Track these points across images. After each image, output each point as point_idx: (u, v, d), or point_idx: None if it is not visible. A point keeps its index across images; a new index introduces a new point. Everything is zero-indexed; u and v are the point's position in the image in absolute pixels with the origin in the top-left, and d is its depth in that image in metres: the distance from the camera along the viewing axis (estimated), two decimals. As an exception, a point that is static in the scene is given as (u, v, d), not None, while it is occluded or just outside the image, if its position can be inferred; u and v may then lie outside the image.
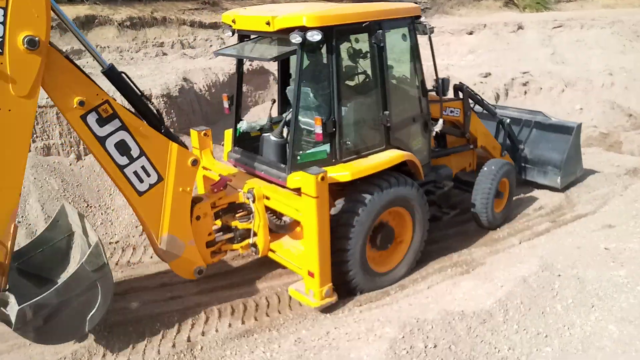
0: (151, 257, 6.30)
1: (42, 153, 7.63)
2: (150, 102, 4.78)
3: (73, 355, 4.58)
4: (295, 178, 4.98)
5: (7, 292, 4.02)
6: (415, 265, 5.93)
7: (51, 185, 7.07)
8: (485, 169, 6.72)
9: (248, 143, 5.89)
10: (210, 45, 14.26)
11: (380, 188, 5.19)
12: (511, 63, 15.15)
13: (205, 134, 6.02)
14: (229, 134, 6.11)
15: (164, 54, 12.91)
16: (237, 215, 5.52)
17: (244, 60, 6.12)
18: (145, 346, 4.76)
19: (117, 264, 6.22)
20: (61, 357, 4.55)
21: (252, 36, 5.50)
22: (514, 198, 7.30)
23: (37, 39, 3.69)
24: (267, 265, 6.15)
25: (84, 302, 4.23)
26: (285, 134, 5.54)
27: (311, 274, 5.01)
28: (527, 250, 5.89)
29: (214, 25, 16.65)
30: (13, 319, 3.88)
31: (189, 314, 5.17)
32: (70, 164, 7.63)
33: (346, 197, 5.17)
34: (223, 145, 6.57)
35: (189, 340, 4.85)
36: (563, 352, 3.76)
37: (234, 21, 5.30)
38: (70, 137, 7.87)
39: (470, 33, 18.24)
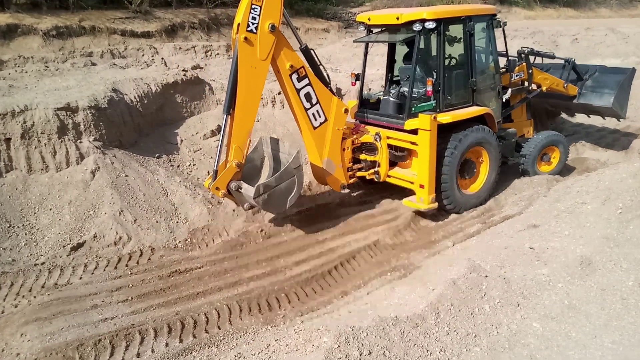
0: (80, 279, 6.02)
1: (-42, 172, 7.12)
2: (324, 69, 7.29)
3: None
4: (412, 122, 7.22)
5: (240, 181, 6.59)
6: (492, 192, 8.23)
7: (-32, 206, 6.61)
8: (535, 136, 8.96)
9: (368, 106, 8.25)
10: (143, 55, 13.84)
11: (468, 131, 7.48)
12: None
13: (345, 110, 7.59)
14: (353, 102, 8.45)
15: (93, 64, 12.38)
16: (364, 151, 7.86)
17: (370, 46, 8.51)
18: (75, 373, 4.53)
19: (43, 286, 5.89)
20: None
21: (374, 30, 7.86)
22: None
23: (275, 25, 6.30)
24: (204, 279, 6.03)
25: (287, 188, 6.58)
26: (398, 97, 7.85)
27: (422, 186, 7.31)
28: (459, 252, 6.11)
29: (146, 35, 16.24)
30: (251, 193, 6.31)
31: (123, 335, 4.97)
32: (-11, 183, 7.16)
33: (445, 137, 7.33)
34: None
35: (122, 363, 4.66)
36: (491, 351, 3.91)
37: (369, 19, 7.68)
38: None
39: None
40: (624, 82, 9.50)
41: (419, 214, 7.68)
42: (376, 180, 7.87)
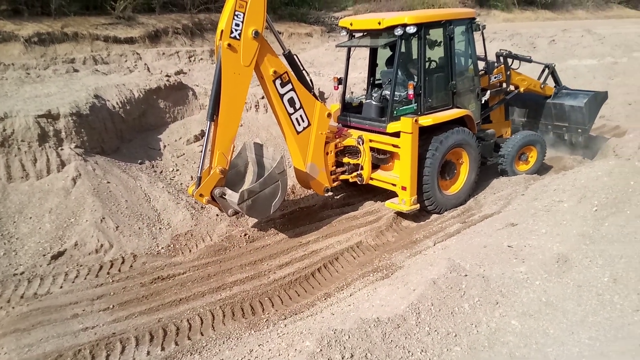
0: (60, 288, 5.96)
1: None
2: (307, 74, 7.35)
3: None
4: (394, 125, 7.36)
5: (224, 187, 6.59)
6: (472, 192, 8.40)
7: (-55, 216, 6.50)
8: (512, 136, 9.11)
9: (351, 110, 8.34)
10: (126, 61, 13.74)
11: (448, 133, 7.58)
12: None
13: (328, 115, 7.64)
14: (335, 106, 8.66)
15: (75, 70, 12.27)
16: (347, 154, 7.96)
17: (352, 50, 8.45)
18: (55, 383, 4.48)
19: (22, 297, 5.80)
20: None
21: (357, 35, 8.00)
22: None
23: (258, 31, 6.33)
24: (187, 285, 6.01)
25: (272, 193, 6.62)
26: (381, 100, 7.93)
27: (404, 188, 7.43)
28: (440, 251, 6.15)
29: (130, 40, 16.11)
30: (235, 199, 6.31)
31: (103, 345, 4.92)
32: (-33, 192, 7.05)
33: (426, 139, 7.43)
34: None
35: (102, 373, 4.62)
36: (471, 349, 3.93)
37: (351, 24, 7.80)
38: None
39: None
40: (597, 95, 9.85)
41: (401, 214, 7.74)
42: (359, 182, 7.97)
